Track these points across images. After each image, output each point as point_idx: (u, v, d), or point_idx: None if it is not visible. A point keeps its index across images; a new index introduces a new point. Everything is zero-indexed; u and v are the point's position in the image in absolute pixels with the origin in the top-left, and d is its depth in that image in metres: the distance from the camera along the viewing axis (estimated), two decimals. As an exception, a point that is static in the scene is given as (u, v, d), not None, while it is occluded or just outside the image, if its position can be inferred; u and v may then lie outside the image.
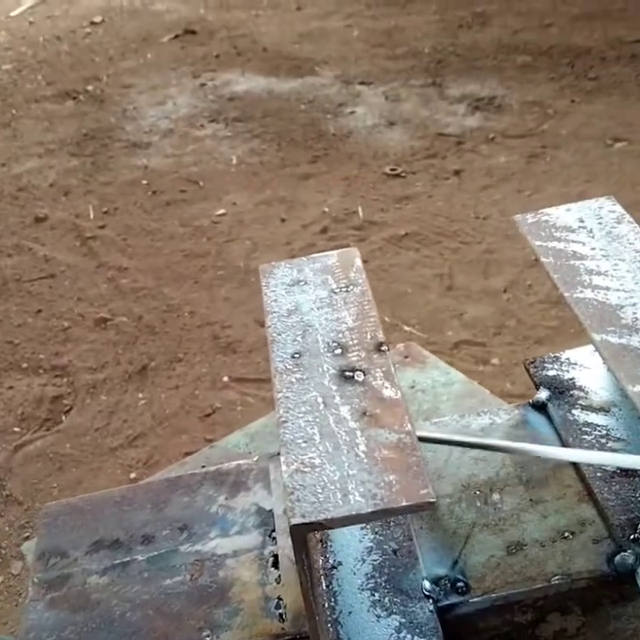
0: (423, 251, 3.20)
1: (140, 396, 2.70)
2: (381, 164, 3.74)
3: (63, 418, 2.65)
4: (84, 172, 3.88)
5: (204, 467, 1.28)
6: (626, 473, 0.99)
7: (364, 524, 0.99)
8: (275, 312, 0.99)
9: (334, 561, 0.97)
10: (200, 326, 2.95)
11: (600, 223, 1.01)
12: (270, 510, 1.05)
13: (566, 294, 0.91)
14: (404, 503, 0.74)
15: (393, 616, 0.90)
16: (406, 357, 1.48)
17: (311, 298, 1.00)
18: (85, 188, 3.77)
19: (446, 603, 0.92)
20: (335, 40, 4.95)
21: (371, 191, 3.57)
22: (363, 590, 0.93)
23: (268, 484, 1.08)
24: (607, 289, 0.92)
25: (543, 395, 1.11)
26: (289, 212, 3.49)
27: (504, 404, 1.36)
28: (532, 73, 4.34)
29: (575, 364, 1.13)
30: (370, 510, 0.74)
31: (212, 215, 3.52)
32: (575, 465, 1.03)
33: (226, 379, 2.73)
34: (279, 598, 0.96)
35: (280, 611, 0.94)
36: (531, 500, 1.01)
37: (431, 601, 0.91)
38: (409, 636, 0.88)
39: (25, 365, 2.84)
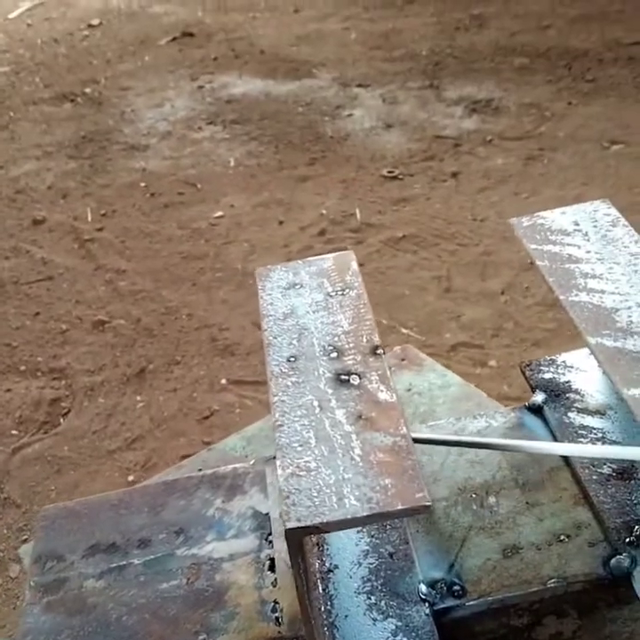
0: (421, 253, 3.20)
1: (138, 398, 2.70)
2: (379, 166, 3.74)
3: (61, 420, 2.65)
4: (81, 175, 3.88)
5: (200, 470, 1.28)
6: (622, 476, 1.00)
7: (360, 528, 1.00)
8: (271, 315, 0.99)
9: (330, 564, 0.97)
10: (198, 329, 2.95)
11: (595, 226, 1.02)
12: (266, 514, 1.05)
13: (561, 297, 0.92)
14: (400, 507, 0.74)
15: (389, 619, 0.90)
16: (403, 360, 1.48)
17: (307, 301, 1.00)
18: (83, 190, 3.77)
19: (442, 606, 0.92)
20: (332, 42, 4.95)
21: (368, 193, 3.58)
22: (359, 594, 0.94)
23: (264, 487, 1.08)
24: (602, 292, 0.92)
25: (539, 398, 1.11)
26: (286, 215, 3.49)
27: (500, 406, 1.36)
28: (529, 75, 4.34)
29: (571, 366, 1.14)
30: (365, 514, 0.74)
31: (209, 217, 3.53)
32: (571, 468, 1.03)
33: (224, 381, 2.73)
34: (275, 602, 0.96)
35: (276, 614, 0.94)
36: (527, 502, 1.01)
37: (427, 604, 0.92)
38: (405, 639, 0.88)
39: (23, 368, 2.84)
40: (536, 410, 1.11)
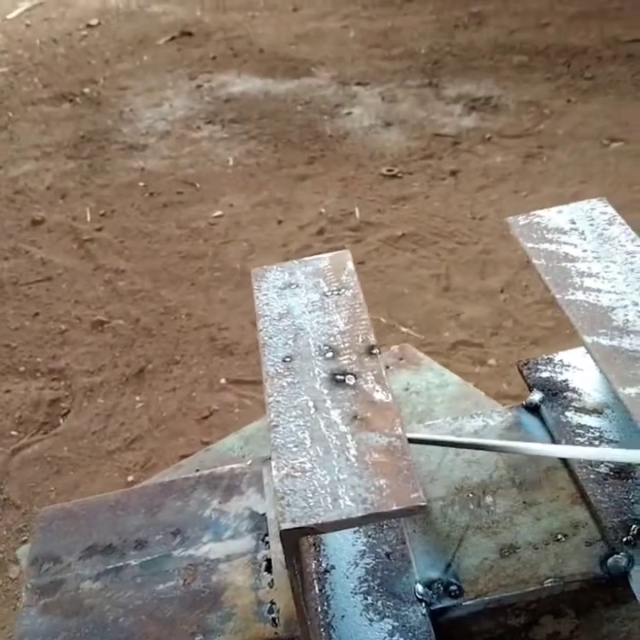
0: (420, 251, 3.20)
1: (138, 398, 2.69)
2: (378, 164, 3.74)
3: (60, 421, 2.65)
4: (80, 175, 3.88)
5: (198, 470, 1.28)
6: (619, 475, 0.99)
7: (357, 528, 0.99)
8: (266, 315, 0.99)
9: (327, 565, 0.96)
10: (197, 328, 2.95)
11: (592, 225, 1.01)
12: (263, 514, 1.05)
13: (558, 296, 0.91)
14: (395, 507, 0.74)
15: (385, 620, 0.90)
16: (401, 359, 1.48)
17: (303, 301, 1.00)
18: (82, 190, 3.77)
19: (439, 606, 0.92)
20: (331, 41, 4.95)
21: (367, 192, 3.57)
22: (355, 594, 0.93)
23: (261, 487, 1.08)
24: (598, 291, 0.91)
25: (536, 397, 1.10)
26: (285, 214, 3.48)
27: (498, 405, 1.36)
28: (528, 73, 4.34)
29: (568, 365, 1.13)
30: (360, 515, 0.74)
31: (208, 217, 3.52)
32: (568, 467, 1.02)
33: (223, 381, 2.73)
34: (272, 602, 0.95)
35: (273, 615, 0.94)
36: (524, 502, 1.01)
37: (424, 604, 0.91)
38: (401, 639, 0.88)
39: (22, 369, 2.84)
40: (533, 409, 1.10)
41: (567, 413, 1.07)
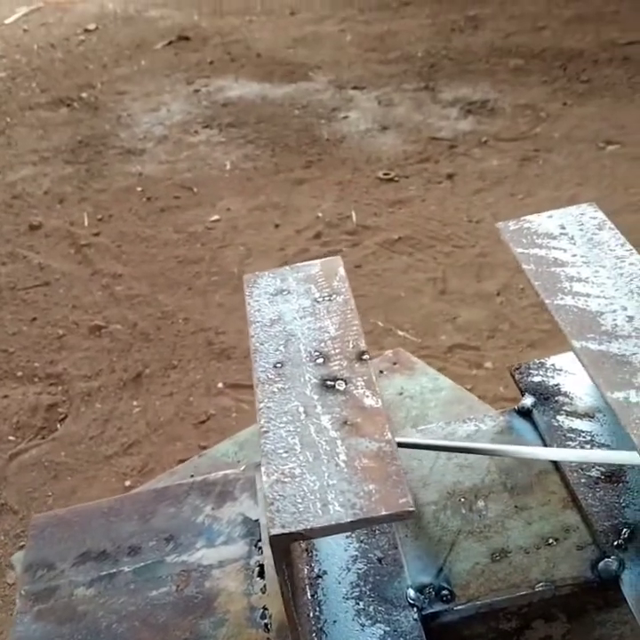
0: (416, 255, 3.20)
1: (135, 403, 2.70)
2: (375, 168, 3.75)
3: (58, 426, 2.65)
4: (78, 180, 3.89)
5: (192, 476, 1.28)
6: (610, 479, 1.00)
7: (349, 533, 1.00)
8: (258, 322, 1.00)
9: (319, 570, 0.97)
10: (194, 333, 2.95)
11: (581, 230, 1.02)
12: (256, 520, 1.05)
13: (547, 301, 0.92)
14: (384, 512, 0.74)
15: (377, 625, 0.90)
16: (395, 364, 1.48)
17: (294, 307, 1.00)
18: (80, 195, 3.78)
19: (430, 611, 0.92)
20: (328, 45, 4.96)
21: (364, 196, 3.58)
22: (347, 599, 0.94)
23: (254, 493, 1.09)
24: (587, 296, 0.92)
25: (528, 401, 1.11)
26: (283, 218, 3.49)
27: (491, 409, 1.36)
28: (524, 76, 4.35)
29: (560, 370, 1.14)
30: (349, 520, 0.74)
31: (206, 221, 3.53)
32: (560, 471, 1.03)
33: (220, 385, 2.73)
34: (264, 608, 0.96)
35: (265, 620, 0.95)
36: (515, 506, 1.01)
37: (415, 609, 0.92)
38: (393, 644, 0.88)
39: (20, 374, 2.84)
40: (525, 413, 1.11)
41: (559, 417, 1.08)
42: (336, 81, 4.54)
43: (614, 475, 1.00)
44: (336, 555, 0.98)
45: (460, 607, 0.92)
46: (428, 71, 4.52)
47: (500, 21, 4.98)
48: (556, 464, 1.03)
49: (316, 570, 0.97)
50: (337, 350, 0.93)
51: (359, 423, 0.83)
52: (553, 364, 1.15)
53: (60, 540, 1.08)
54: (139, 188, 3.78)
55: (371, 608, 0.92)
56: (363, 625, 0.91)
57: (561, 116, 3.97)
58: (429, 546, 0.98)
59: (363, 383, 0.88)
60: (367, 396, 0.86)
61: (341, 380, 0.89)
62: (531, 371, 1.15)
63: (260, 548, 1.02)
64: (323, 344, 0.94)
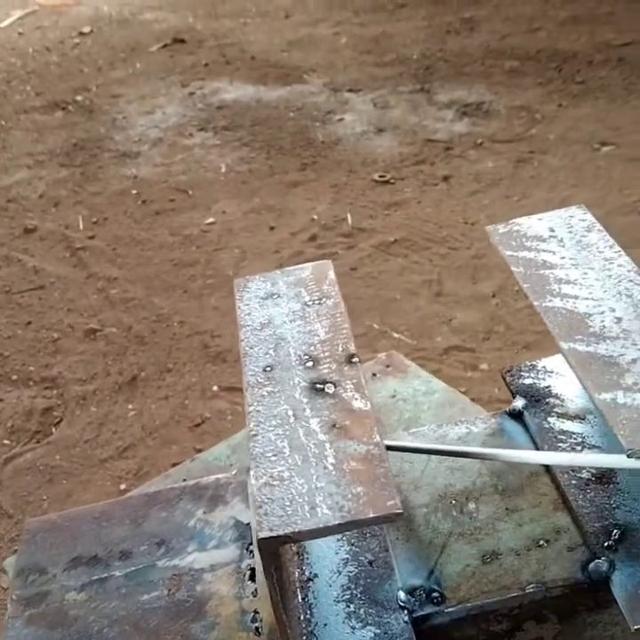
0: (412, 257, 3.21)
1: (130, 406, 2.70)
2: (370, 170, 3.75)
3: (53, 430, 2.65)
4: (73, 183, 3.89)
5: (185, 480, 1.28)
6: (600, 480, 1.00)
7: (340, 536, 1.00)
8: (248, 325, 1.00)
9: (310, 573, 0.97)
10: (189, 336, 2.95)
11: (570, 232, 1.02)
12: (248, 524, 1.05)
13: (536, 303, 0.92)
14: (371, 515, 0.74)
15: (368, 627, 0.90)
16: (388, 367, 1.48)
17: (284, 311, 1.00)
18: (75, 198, 3.78)
19: (421, 613, 0.92)
20: (323, 47, 4.96)
21: (359, 198, 3.58)
22: (338, 602, 0.94)
23: (245, 497, 1.09)
24: (576, 297, 0.92)
25: (519, 403, 1.11)
26: (278, 220, 3.49)
27: (483, 412, 1.36)
28: (519, 78, 4.35)
29: (551, 372, 1.14)
30: (337, 522, 0.74)
31: (201, 224, 3.53)
32: (551, 473, 1.03)
33: (215, 388, 2.73)
34: (256, 611, 0.96)
35: (256, 624, 0.95)
36: (506, 508, 1.01)
37: (406, 611, 0.92)
38: (384, 647, 0.88)
39: (15, 377, 2.84)
40: (516, 415, 1.11)
41: (550, 419, 1.08)
42: (331, 83, 4.55)
43: (605, 476, 1.00)
44: (327, 558, 0.98)
45: (450, 609, 0.92)
46: (423, 73, 4.52)
47: (495, 23, 4.99)
48: (546, 466, 1.03)
49: (307, 573, 0.97)
50: (326, 353, 0.93)
51: (348, 426, 0.84)
52: (544, 366, 1.15)
53: (51, 544, 1.08)
54: (134, 191, 3.78)
55: (361, 611, 0.92)
56: (353, 627, 0.91)
57: (556, 117, 3.98)
58: (420, 548, 0.98)
59: (352, 386, 0.88)
60: (356, 399, 0.87)
61: (331, 383, 0.89)
62: (522, 373, 1.15)
63: (251, 551, 1.02)
64: (312, 347, 0.94)
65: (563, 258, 0.98)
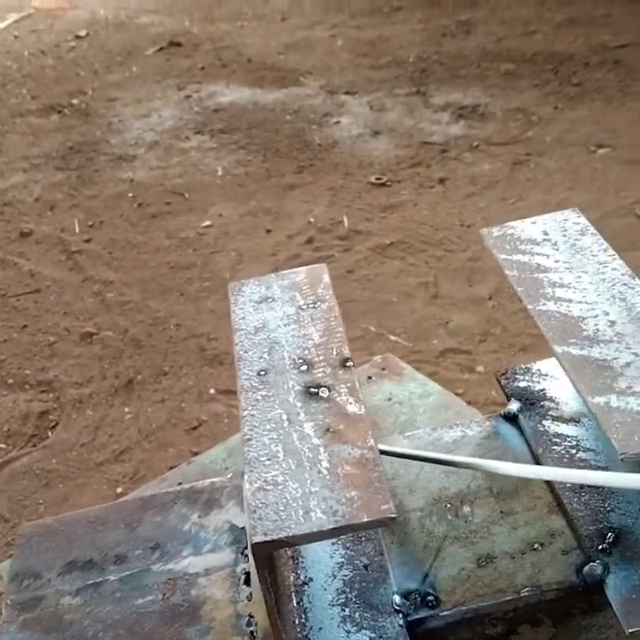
0: (408, 259, 3.21)
1: (126, 410, 2.69)
2: (366, 173, 3.75)
3: (49, 433, 2.65)
4: (69, 186, 3.89)
5: (180, 483, 1.28)
6: (595, 483, 1.00)
7: (334, 540, 1.00)
8: (242, 329, 1.00)
9: (305, 577, 0.97)
10: (186, 339, 2.95)
11: (564, 235, 1.02)
12: (243, 528, 1.05)
13: (530, 307, 0.92)
14: (365, 519, 0.74)
15: (363, 631, 0.90)
16: (383, 369, 1.48)
17: (278, 315, 1.00)
18: (71, 201, 3.77)
19: (416, 617, 0.92)
20: (320, 50, 4.97)
21: (356, 201, 3.58)
22: (333, 606, 0.94)
23: (241, 501, 1.08)
24: (570, 301, 0.92)
25: (514, 406, 1.11)
26: (274, 223, 3.49)
27: (479, 414, 1.36)
28: (515, 80, 4.36)
29: (546, 375, 1.14)
30: (331, 527, 0.74)
31: (197, 227, 3.53)
32: (545, 476, 1.03)
33: (212, 391, 2.73)
34: (250, 616, 0.96)
35: (251, 628, 0.94)
36: (501, 511, 1.01)
37: (401, 615, 0.92)
38: (378, 651, 0.88)
39: (11, 381, 2.84)
40: (511, 418, 1.11)
41: (544, 422, 1.08)
42: (327, 86, 4.55)
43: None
44: (322, 562, 0.98)
45: (445, 613, 0.92)
46: (419, 76, 4.53)
47: (491, 26, 5.00)
48: (541, 469, 1.03)
49: (302, 577, 0.97)
50: (321, 357, 0.93)
51: (342, 430, 0.84)
52: (539, 369, 1.15)
53: (46, 549, 1.08)
54: (130, 195, 3.78)
55: (356, 614, 0.92)
56: (348, 631, 0.91)
57: (552, 119, 3.99)
58: (415, 552, 0.98)
59: (346, 390, 0.88)
60: (350, 403, 0.87)
61: (325, 387, 0.89)
62: (516, 376, 1.15)
63: (246, 555, 1.02)
64: (306, 351, 0.94)
65: (556, 261, 0.98)
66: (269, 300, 1.03)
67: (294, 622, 0.92)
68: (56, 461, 2.53)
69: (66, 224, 3.60)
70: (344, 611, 0.93)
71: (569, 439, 1.05)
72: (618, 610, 0.87)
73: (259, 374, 0.93)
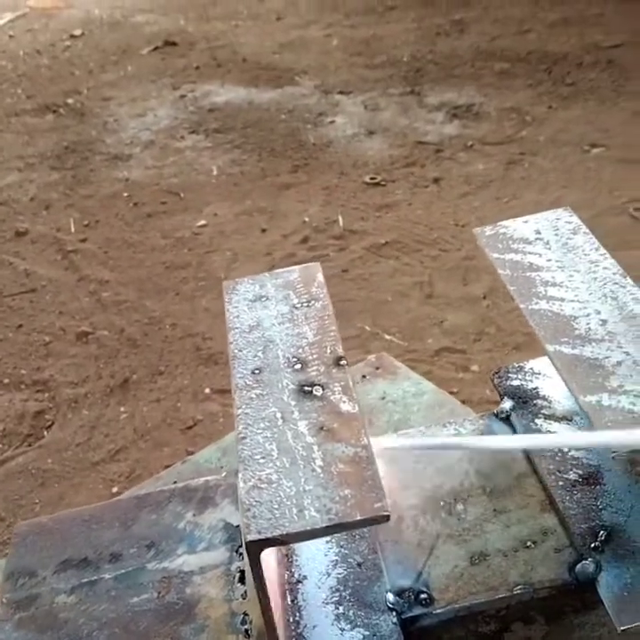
0: (403, 259, 3.21)
1: (122, 409, 2.70)
2: (361, 173, 3.76)
3: (45, 433, 2.65)
4: (64, 186, 3.88)
5: (175, 482, 1.28)
6: (587, 481, 1.00)
7: (328, 538, 1.00)
8: (236, 328, 1.00)
9: (299, 575, 0.97)
10: (182, 338, 2.96)
11: (557, 234, 1.03)
12: (237, 526, 1.05)
13: (522, 306, 0.93)
14: (359, 517, 0.75)
15: (357, 629, 0.91)
16: (378, 368, 1.49)
17: (273, 313, 1.01)
18: (66, 201, 3.77)
19: (410, 615, 0.92)
20: (314, 50, 4.97)
21: (351, 200, 3.59)
22: (327, 604, 0.94)
23: (235, 499, 1.09)
24: (562, 300, 0.93)
25: (507, 405, 1.11)
26: (269, 223, 3.50)
27: (472, 413, 1.37)
28: (509, 80, 4.37)
29: (539, 373, 1.14)
30: (324, 525, 0.75)
31: (193, 226, 3.53)
32: (538, 474, 1.03)
33: (208, 390, 2.74)
34: (245, 614, 0.96)
35: (246, 626, 0.95)
36: (494, 509, 1.01)
37: (395, 613, 0.92)
38: (372, 648, 0.89)
39: (6, 381, 2.84)
40: (504, 417, 1.11)
41: (537, 421, 1.08)
42: (322, 86, 4.55)
43: (591, 477, 1.00)
44: (316, 559, 0.98)
45: (439, 611, 0.93)
46: (413, 75, 4.53)
47: (485, 25, 5.01)
48: (534, 467, 1.04)
49: (296, 575, 0.97)
50: (314, 356, 0.94)
51: (335, 428, 0.84)
52: (531, 368, 1.16)
53: (41, 547, 1.09)
54: (125, 194, 3.78)
55: (350, 612, 0.93)
56: (342, 629, 0.91)
57: (546, 119, 4.00)
58: (409, 550, 0.99)
59: (340, 388, 0.89)
60: (344, 402, 0.87)
61: (319, 385, 0.90)
62: (509, 374, 1.15)
63: (240, 553, 1.02)
64: (301, 350, 0.95)
65: (549, 260, 0.99)
66: (263, 299, 1.03)
67: (288, 620, 0.92)
68: (52, 461, 2.54)
69: (61, 223, 3.60)
70: (338, 609, 0.93)
71: (561, 437, 1.06)
72: (610, 607, 0.88)
73: (253, 373, 0.93)
